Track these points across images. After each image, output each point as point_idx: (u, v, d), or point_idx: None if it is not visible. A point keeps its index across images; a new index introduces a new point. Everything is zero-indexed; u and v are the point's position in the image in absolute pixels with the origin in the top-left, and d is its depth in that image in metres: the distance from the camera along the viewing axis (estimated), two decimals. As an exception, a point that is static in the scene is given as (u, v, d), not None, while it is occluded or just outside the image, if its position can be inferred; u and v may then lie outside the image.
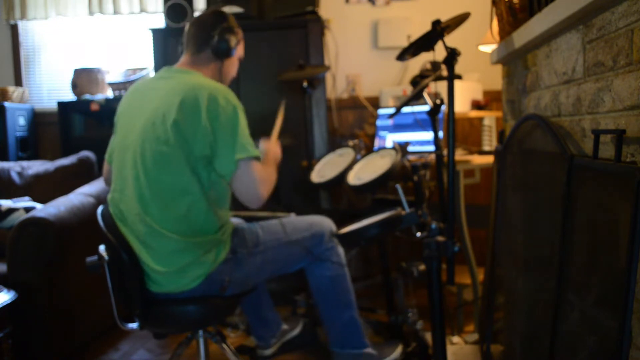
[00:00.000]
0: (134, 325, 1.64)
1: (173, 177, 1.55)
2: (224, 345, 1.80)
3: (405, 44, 1.94)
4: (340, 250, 1.90)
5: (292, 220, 1.86)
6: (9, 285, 1.90)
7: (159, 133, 1.54)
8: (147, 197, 1.56)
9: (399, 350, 1.99)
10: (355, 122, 3.34)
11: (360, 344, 1.90)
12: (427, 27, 1.57)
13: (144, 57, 3.57)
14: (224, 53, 1.74)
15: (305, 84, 2.49)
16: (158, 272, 1.55)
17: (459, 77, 1.59)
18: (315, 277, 1.87)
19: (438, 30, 1.54)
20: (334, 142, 3.14)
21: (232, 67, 1.82)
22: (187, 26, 1.79)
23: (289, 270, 1.84)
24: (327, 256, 1.84)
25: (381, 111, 2.89)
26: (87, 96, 3.27)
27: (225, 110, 1.56)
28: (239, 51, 1.83)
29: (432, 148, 1.69)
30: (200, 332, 1.76)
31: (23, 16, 3.58)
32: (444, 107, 1.66)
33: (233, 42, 1.74)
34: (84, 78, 3.28)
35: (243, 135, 1.58)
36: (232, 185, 1.61)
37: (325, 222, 1.89)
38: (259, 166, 1.62)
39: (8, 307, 1.77)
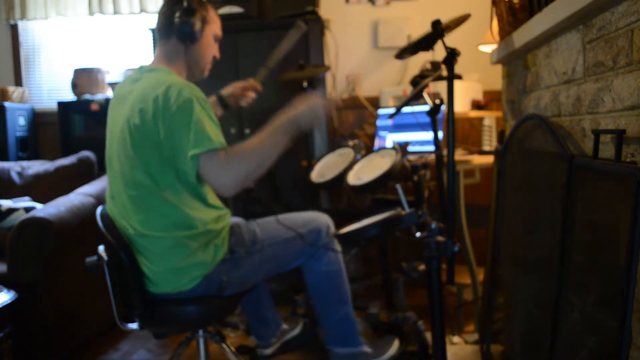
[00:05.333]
0: (134, 325, 1.64)
1: (151, 179, 1.54)
2: (224, 345, 1.80)
3: (405, 44, 1.93)
4: (337, 245, 1.89)
5: (289, 216, 1.85)
6: (9, 285, 1.89)
7: (129, 138, 1.53)
8: (130, 202, 1.57)
9: (395, 345, 1.98)
10: (355, 122, 3.34)
11: (355, 342, 1.90)
12: (427, 27, 1.57)
13: (144, 57, 3.58)
14: (188, 37, 1.62)
15: (305, 84, 2.49)
16: (155, 272, 1.56)
17: (459, 77, 1.59)
18: (312, 272, 1.87)
19: (438, 31, 1.54)
20: (334, 142, 3.14)
21: (204, 49, 1.70)
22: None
23: (286, 268, 1.84)
24: (324, 251, 1.84)
25: (381, 111, 2.89)
26: (87, 96, 3.26)
27: (176, 105, 1.48)
28: (213, 30, 1.70)
29: (432, 148, 1.69)
30: (200, 332, 1.76)
31: (23, 16, 3.58)
32: (443, 107, 1.65)
33: (197, 24, 1.62)
34: (84, 78, 3.28)
35: (197, 128, 1.46)
36: (203, 180, 1.54)
37: (322, 218, 1.88)
38: (222, 155, 1.48)
39: (8, 307, 1.77)
